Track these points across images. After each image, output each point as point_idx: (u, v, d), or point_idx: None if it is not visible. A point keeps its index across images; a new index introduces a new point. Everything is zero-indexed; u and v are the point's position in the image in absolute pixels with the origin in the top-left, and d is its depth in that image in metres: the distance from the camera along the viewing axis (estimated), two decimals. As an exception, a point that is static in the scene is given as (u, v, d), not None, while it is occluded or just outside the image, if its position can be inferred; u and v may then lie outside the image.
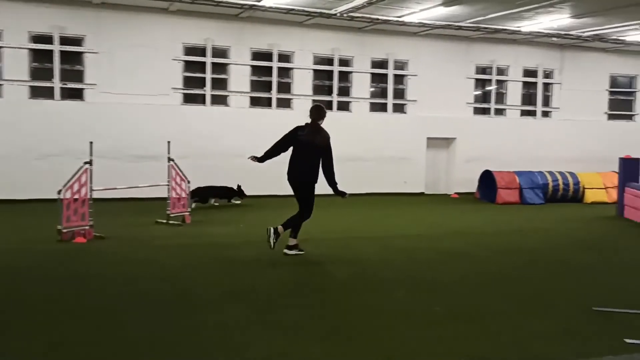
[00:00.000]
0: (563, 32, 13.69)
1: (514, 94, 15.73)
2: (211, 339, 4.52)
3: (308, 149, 7.22)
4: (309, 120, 7.54)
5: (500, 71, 15.60)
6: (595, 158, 15.41)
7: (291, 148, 7.42)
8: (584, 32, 13.69)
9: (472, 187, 14.69)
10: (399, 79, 14.86)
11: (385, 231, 9.75)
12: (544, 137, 15.59)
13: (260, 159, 7.42)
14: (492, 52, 15.29)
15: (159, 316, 5.04)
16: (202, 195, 11.65)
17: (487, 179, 14.05)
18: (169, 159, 9.73)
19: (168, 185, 9.77)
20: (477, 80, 15.51)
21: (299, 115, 13.77)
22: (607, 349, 4.56)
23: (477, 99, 15.64)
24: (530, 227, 10.47)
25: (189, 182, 10.08)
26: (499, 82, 15.65)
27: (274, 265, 7.06)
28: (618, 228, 10.78)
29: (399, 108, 14.90)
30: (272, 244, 7.14)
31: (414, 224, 10.62)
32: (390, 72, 14.59)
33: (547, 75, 15.92)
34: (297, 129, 7.41)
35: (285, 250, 7.44)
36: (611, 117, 16.63)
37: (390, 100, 14.66)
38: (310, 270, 6.98)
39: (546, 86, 15.99)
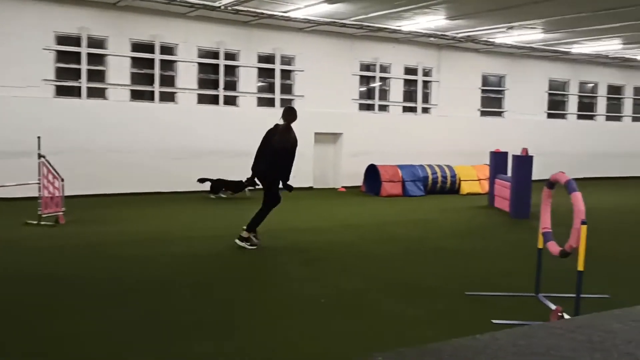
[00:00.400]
0: (439, 33, 14.45)
1: (397, 91, 16.37)
2: (85, 344, 4.23)
3: (276, 149, 7.66)
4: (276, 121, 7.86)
5: (383, 68, 16.15)
6: (470, 152, 16.44)
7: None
8: (458, 34, 14.54)
9: (359, 180, 15.11)
10: (286, 74, 14.89)
11: (271, 225, 9.73)
12: (424, 132, 16.38)
13: (253, 178, 8.23)
14: (375, 50, 15.79)
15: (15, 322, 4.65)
16: (214, 186, 12.54)
17: (372, 173, 14.51)
18: (40, 156, 9.02)
19: (39, 183, 9.07)
20: (361, 77, 15.94)
21: (183, 109, 13.47)
22: (476, 330, 4.86)
23: (362, 95, 16.09)
24: (412, 218, 10.94)
25: (62, 180, 9.41)
26: (382, 79, 16.21)
27: (150, 263, 6.79)
28: (489, 217, 11.57)
29: (286, 103, 14.93)
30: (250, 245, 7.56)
31: (302, 218, 10.70)
32: (277, 67, 14.58)
33: (427, 73, 16.74)
34: (270, 131, 7.91)
35: (237, 241, 7.64)
36: (483, 113, 17.82)
37: (277, 95, 14.66)
38: (189, 268, 6.79)
39: (425, 84, 16.80)
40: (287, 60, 14.84)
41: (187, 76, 13.54)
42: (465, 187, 14.86)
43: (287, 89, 14.92)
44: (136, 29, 12.91)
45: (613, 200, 14.62)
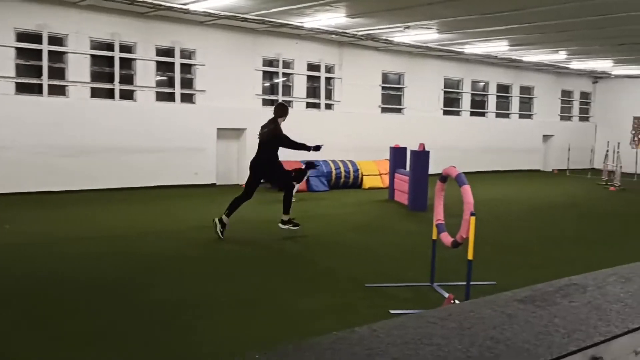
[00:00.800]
0: (340, 30, 14.67)
1: (300, 87, 16.45)
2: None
3: (261, 141, 8.73)
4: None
5: (286, 64, 16.16)
6: (372, 147, 16.87)
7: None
8: (358, 31, 14.84)
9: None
10: (186, 68, 14.50)
11: (172, 225, 9.45)
12: (328, 128, 16.59)
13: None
14: (278, 46, 15.76)
15: None
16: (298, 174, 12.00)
17: (276, 169, 14.49)
18: None
19: None
20: (264, 72, 15.86)
21: (74, 103, 12.72)
22: (374, 320, 4.99)
23: (265, 91, 16.01)
24: (315, 213, 11.05)
25: None
26: (285, 75, 16.21)
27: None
28: (388, 210, 11.95)
29: (187, 98, 14.57)
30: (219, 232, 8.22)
31: (204, 216, 10.48)
32: (177, 60, 14.16)
33: (329, 70, 16.95)
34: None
35: (281, 225, 8.62)
36: (384, 110, 18.35)
37: (177, 90, 14.24)
38: (86, 271, 6.44)
39: (328, 80, 17.02)
40: (187, 54, 14.45)
41: (79, 68, 12.80)
42: (367, 182, 15.23)
43: (187, 83, 14.54)
44: (20, 18, 12.02)
45: (503, 192, 15.61)
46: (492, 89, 21.44)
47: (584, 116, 25.43)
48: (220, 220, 8.35)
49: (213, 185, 14.81)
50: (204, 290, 5.84)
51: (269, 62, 15.90)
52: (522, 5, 11.12)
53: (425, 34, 14.92)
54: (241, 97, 15.22)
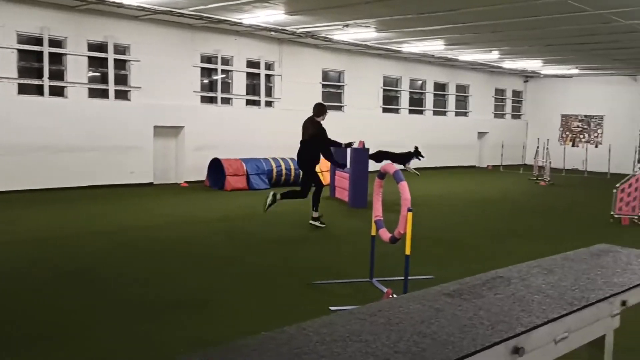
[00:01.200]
0: (280, 27, 14.60)
1: (239, 84, 16.26)
2: None
3: (303, 140, 9.45)
4: None
5: (225, 61, 15.95)
6: (312, 145, 16.88)
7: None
8: (298, 29, 14.82)
9: (203, 175, 14.80)
10: (120, 64, 14.04)
11: (105, 226, 9.15)
12: (269, 125, 16.50)
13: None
14: (216, 42, 15.52)
15: None
16: (377, 157, 12.87)
17: (216, 167, 14.30)
18: None
19: None
20: (203, 69, 15.58)
21: (0, 100, 12.08)
22: (315, 317, 5.00)
23: (204, 88, 15.75)
24: (254, 212, 10.96)
25: None
26: (224, 71, 15.99)
27: None
28: (329, 207, 12.00)
29: (122, 95, 14.12)
30: (267, 205, 8.98)
31: (141, 216, 10.20)
32: (111, 56, 13.69)
33: (269, 67, 16.85)
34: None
35: (311, 221, 9.47)
36: (325, 107, 18.38)
37: (112, 87, 13.76)
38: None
39: (268, 77, 16.92)
40: (121, 49, 13.99)
41: (5, 64, 12.16)
42: (308, 179, 15.22)
43: (122, 79, 14.08)
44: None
45: (440, 188, 16.01)
46: (430, 87, 21.94)
47: (516, 114, 26.43)
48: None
49: (150, 184, 14.44)
50: (144, 290, 5.68)
51: (207, 59, 15.64)
52: (456, 6, 11.41)
53: (364, 33, 15.08)
54: (179, 94, 14.90)
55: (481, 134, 24.41)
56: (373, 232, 6.66)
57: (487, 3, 11.02)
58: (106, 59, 13.68)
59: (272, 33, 15.38)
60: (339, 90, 18.99)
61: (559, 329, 1.60)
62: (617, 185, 11.01)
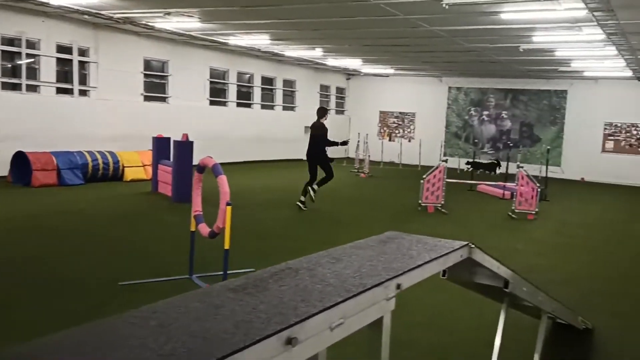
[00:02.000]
0: (94, 11, 13.56)
1: (49, 70, 14.80)
2: None
3: (311, 138, 11.84)
4: None
5: (31, 45, 14.40)
6: (134, 137, 16.06)
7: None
8: (114, 14, 13.89)
9: (5, 170, 13.25)
10: None
11: None
12: (83, 116, 15.30)
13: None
14: (20, 23, 13.93)
15: None
16: (475, 166, 18.12)
17: (21, 161, 12.91)
18: None
19: None
20: (4, 52, 13.90)
21: None
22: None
23: (6, 73, 14.08)
24: (66, 209, 10.12)
25: None
26: (30, 56, 14.43)
27: None
28: (151, 202, 11.54)
29: None
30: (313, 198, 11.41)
31: None
32: None
33: (83, 53, 15.59)
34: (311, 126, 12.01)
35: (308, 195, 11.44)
36: (147, 98, 17.57)
37: None
38: None
39: (83, 64, 15.65)
40: None
41: None
42: (130, 174, 14.45)
43: None
44: None
45: (264, 181, 16.24)
46: (257, 81, 22.09)
47: (340, 109, 27.79)
48: (302, 201, 11.39)
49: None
50: None
51: (9, 41, 13.98)
52: (279, 2, 11.57)
53: (187, 22, 14.63)
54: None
55: (308, 128, 25.19)
56: (192, 228, 6.52)
57: (307, 1, 11.35)
58: None
59: (86, 16, 14.23)
60: (163, 81, 18.26)
61: (335, 315, 1.65)
62: (424, 176, 12.10)
